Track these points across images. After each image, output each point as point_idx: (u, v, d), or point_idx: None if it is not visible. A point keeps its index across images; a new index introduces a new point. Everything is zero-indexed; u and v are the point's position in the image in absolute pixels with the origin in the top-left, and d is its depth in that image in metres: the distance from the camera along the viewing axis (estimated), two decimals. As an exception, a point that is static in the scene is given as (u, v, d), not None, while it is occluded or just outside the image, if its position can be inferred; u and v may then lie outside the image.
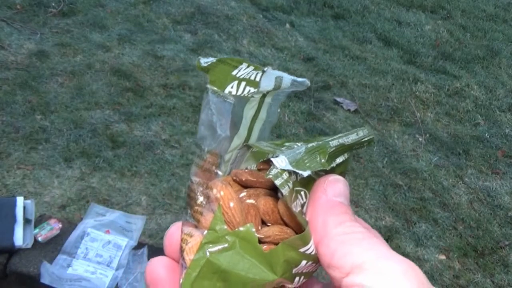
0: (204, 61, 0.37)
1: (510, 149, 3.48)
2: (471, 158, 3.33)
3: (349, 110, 3.52)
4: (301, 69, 3.83)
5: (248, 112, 0.38)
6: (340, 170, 0.37)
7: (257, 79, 0.36)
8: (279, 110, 0.39)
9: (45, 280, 1.76)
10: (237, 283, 0.31)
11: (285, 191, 0.32)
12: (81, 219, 2.10)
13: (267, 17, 4.39)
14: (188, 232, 0.34)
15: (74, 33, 3.64)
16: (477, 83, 4.11)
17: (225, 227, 0.33)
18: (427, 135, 3.46)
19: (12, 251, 1.85)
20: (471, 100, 3.90)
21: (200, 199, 0.35)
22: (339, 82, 3.79)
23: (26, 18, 3.69)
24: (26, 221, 1.93)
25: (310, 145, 0.35)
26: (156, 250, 1.97)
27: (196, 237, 0.33)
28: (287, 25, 4.35)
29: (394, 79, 3.96)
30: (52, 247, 1.90)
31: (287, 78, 0.36)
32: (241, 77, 0.36)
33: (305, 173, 0.33)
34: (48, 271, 1.79)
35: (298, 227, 0.34)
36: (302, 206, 0.34)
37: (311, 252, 0.33)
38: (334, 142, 0.36)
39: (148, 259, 1.90)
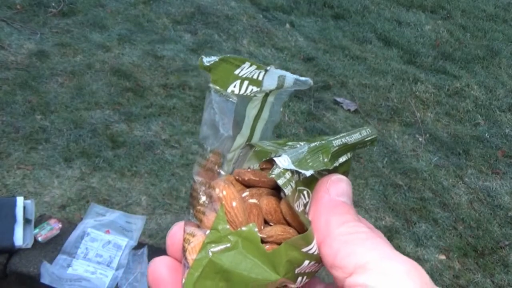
0: (207, 60, 0.37)
1: (510, 149, 3.48)
2: (471, 158, 3.33)
3: (349, 110, 3.52)
4: (301, 69, 3.83)
5: (251, 111, 0.38)
6: (343, 169, 0.37)
7: (260, 78, 0.36)
8: (281, 110, 0.39)
9: (45, 280, 1.76)
10: (240, 283, 0.31)
11: (287, 190, 0.32)
12: (81, 219, 2.10)
13: (267, 17, 4.39)
14: (191, 231, 0.34)
15: (74, 33, 3.64)
16: (477, 83, 4.11)
17: (228, 226, 0.33)
18: (427, 135, 3.46)
19: (12, 251, 1.85)
20: (471, 100, 3.90)
21: (203, 198, 0.35)
22: (339, 82, 3.79)
23: (26, 18, 3.68)
24: (26, 221, 1.93)
25: (313, 144, 0.35)
26: (156, 250, 1.97)
27: (199, 237, 0.33)
28: (287, 25, 4.35)
29: (394, 79, 3.96)
30: (52, 247, 1.90)
31: (290, 77, 0.36)
32: (244, 76, 0.36)
33: (308, 173, 0.33)
34: (48, 271, 1.78)
35: (301, 227, 0.34)
36: (305, 205, 0.34)
37: (314, 252, 0.33)
38: (337, 141, 0.36)
39: (148, 259, 1.90)
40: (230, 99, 0.36)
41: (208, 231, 0.33)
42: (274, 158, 0.32)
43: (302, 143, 0.36)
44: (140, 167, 2.69)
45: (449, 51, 4.45)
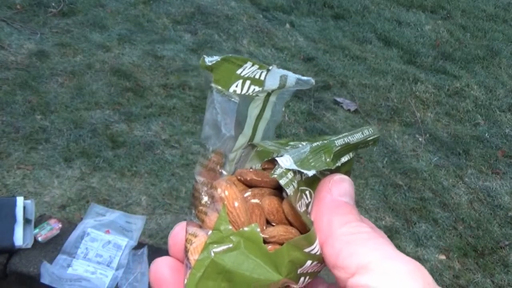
0: (209, 59, 0.36)
1: (510, 149, 3.48)
2: (471, 158, 3.33)
3: (349, 110, 3.52)
4: (301, 69, 3.83)
5: (253, 111, 0.38)
6: (345, 169, 0.37)
7: (262, 77, 0.36)
8: (283, 109, 0.39)
9: (45, 280, 1.76)
10: (242, 284, 0.31)
11: (290, 190, 0.32)
12: (81, 219, 2.10)
13: (267, 17, 4.39)
14: (193, 232, 0.34)
15: (74, 33, 3.64)
16: (477, 83, 4.11)
17: (230, 227, 0.32)
18: (427, 135, 3.46)
19: (12, 251, 1.85)
20: (471, 100, 3.90)
21: (205, 199, 0.35)
22: (339, 82, 3.79)
23: (26, 18, 3.68)
24: (26, 221, 1.92)
25: (315, 144, 0.35)
26: (156, 250, 1.97)
27: (201, 237, 0.33)
28: (287, 25, 4.35)
29: (394, 79, 3.96)
30: (52, 247, 1.90)
31: (292, 77, 0.36)
32: (246, 76, 0.36)
33: (310, 173, 0.33)
34: (48, 271, 1.78)
35: (303, 227, 0.34)
36: (307, 205, 0.34)
37: (316, 252, 0.33)
38: (339, 141, 0.35)
39: (148, 259, 1.90)
40: (232, 99, 0.36)
41: (210, 232, 0.33)
42: (276, 158, 0.32)
43: (304, 143, 0.36)
44: (140, 167, 2.68)
45: (449, 51, 4.45)
